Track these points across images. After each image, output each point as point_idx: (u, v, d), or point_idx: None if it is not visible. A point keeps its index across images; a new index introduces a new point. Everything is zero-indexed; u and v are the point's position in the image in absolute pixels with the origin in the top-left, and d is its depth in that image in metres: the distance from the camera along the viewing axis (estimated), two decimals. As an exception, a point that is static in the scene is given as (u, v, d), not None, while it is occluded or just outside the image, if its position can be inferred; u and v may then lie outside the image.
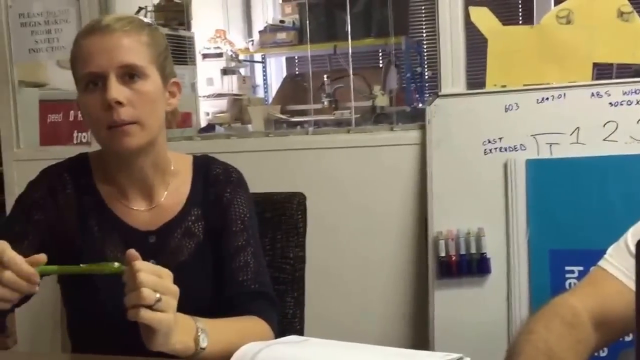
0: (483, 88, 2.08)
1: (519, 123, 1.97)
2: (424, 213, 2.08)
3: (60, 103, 2.56)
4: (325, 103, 3.82)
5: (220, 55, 4.12)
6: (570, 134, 1.93)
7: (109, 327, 1.11)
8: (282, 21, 4.20)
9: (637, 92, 1.89)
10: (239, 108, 3.87)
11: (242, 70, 4.44)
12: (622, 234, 1.10)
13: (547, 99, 1.96)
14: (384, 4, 3.59)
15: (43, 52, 2.48)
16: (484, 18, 2.10)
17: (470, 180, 2.00)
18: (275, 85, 4.65)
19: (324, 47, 3.95)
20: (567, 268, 1.88)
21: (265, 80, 4.71)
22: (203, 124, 3.43)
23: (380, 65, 4.15)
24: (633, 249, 1.05)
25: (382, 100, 3.22)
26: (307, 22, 3.87)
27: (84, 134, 2.52)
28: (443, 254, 1.99)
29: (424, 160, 2.07)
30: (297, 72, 4.66)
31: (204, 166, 1.28)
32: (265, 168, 2.20)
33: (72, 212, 1.20)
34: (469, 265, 1.98)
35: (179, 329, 0.96)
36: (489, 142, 1.99)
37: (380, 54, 4.37)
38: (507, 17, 3.90)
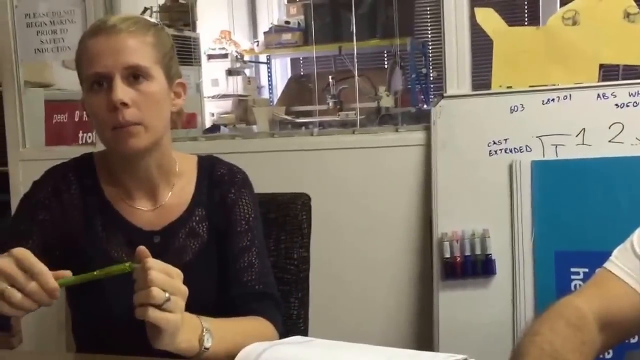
0: (488, 89, 2.08)
1: (524, 124, 1.97)
2: (428, 214, 2.08)
3: (66, 103, 2.57)
4: (330, 104, 3.82)
5: (225, 56, 4.13)
6: (576, 136, 1.93)
7: (114, 328, 1.12)
8: (287, 22, 4.21)
9: (644, 93, 1.88)
10: (243, 109, 3.87)
11: (247, 71, 4.45)
12: (627, 235, 1.09)
13: (553, 100, 1.95)
14: (389, 5, 3.59)
15: (48, 53, 2.49)
16: (489, 19, 2.10)
17: (475, 181, 2.00)
18: (280, 86, 4.65)
19: (329, 48, 3.95)
20: (572, 269, 1.87)
21: (270, 81, 4.71)
22: (208, 124, 3.44)
23: (386, 66, 4.14)
24: (639, 250, 1.05)
25: (387, 101, 3.21)
26: (312, 23, 3.87)
27: (89, 134, 2.53)
28: (448, 255, 1.98)
29: (429, 161, 2.07)
30: (302, 73, 4.67)
31: (208, 167, 1.28)
32: (269, 169, 2.20)
33: (76, 212, 1.21)
34: (473, 267, 1.97)
35: (185, 328, 0.96)
36: (494, 143, 1.99)
37: (386, 55, 4.37)
38: (513, 18, 3.89)
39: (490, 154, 1.99)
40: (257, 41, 4.50)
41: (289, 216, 1.41)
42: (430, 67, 4.00)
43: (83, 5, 2.41)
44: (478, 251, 1.97)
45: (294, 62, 4.80)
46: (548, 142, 1.95)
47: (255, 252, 1.23)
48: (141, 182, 1.22)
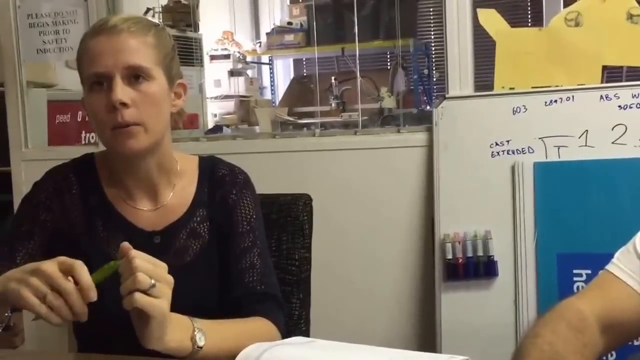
0: (491, 90, 2.07)
1: (526, 125, 1.96)
2: (430, 215, 2.07)
3: (68, 103, 2.57)
4: (333, 105, 3.82)
5: (227, 56, 4.13)
6: (579, 137, 1.92)
7: (113, 327, 1.11)
8: (289, 23, 4.20)
9: (647, 95, 1.88)
10: (246, 110, 3.87)
11: (250, 72, 4.44)
12: (630, 237, 1.09)
13: (556, 101, 1.95)
14: (392, 6, 3.59)
15: (51, 53, 2.49)
16: (492, 20, 2.10)
17: (477, 182, 2.00)
18: (282, 87, 4.65)
19: (331, 49, 3.95)
20: (575, 271, 1.87)
21: (272, 82, 4.71)
22: (210, 125, 3.44)
23: (388, 68, 4.14)
24: None
25: (389, 102, 3.21)
26: (315, 24, 3.87)
27: (91, 134, 2.53)
28: (450, 257, 1.98)
29: (431, 162, 2.07)
30: (304, 74, 4.67)
31: (210, 167, 1.28)
32: (271, 169, 2.19)
33: (77, 212, 1.21)
34: (476, 268, 1.97)
35: (175, 327, 0.96)
36: (497, 144, 1.99)
37: (388, 56, 4.36)
38: (515, 20, 3.88)
39: (492, 155, 1.99)
40: (260, 42, 4.50)
41: (291, 217, 1.41)
42: (433, 68, 3.99)
43: (85, 5, 2.42)
44: (480, 252, 1.96)
45: (297, 63, 4.80)
46: (551, 143, 1.94)
47: (257, 252, 1.22)
48: (142, 183, 1.22)
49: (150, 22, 1.23)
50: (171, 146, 1.24)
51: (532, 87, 2.01)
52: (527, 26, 3.77)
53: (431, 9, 4.27)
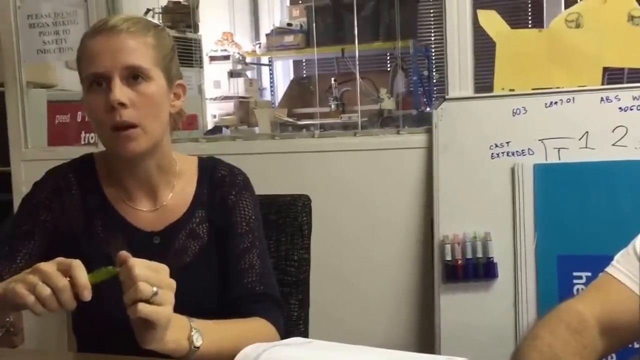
0: (491, 92, 2.07)
1: (526, 127, 1.96)
2: (430, 216, 2.07)
3: (68, 104, 2.58)
4: (332, 106, 3.81)
5: (227, 57, 4.12)
6: (579, 139, 1.92)
7: (112, 327, 1.11)
8: (289, 24, 4.20)
9: (647, 97, 1.88)
10: (245, 111, 3.86)
11: (249, 73, 4.44)
12: (631, 240, 1.09)
13: (556, 103, 1.95)
14: (392, 8, 3.58)
15: (51, 53, 2.49)
16: (492, 21, 2.10)
17: (477, 184, 1.99)
18: (282, 88, 4.64)
19: (331, 51, 3.95)
20: (575, 274, 1.87)
21: (272, 83, 4.71)
22: (210, 126, 3.44)
23: (388, 69, 4.14)
24: None
25: (388, 104, 3.21)
26: (315, 25, 3.87)
27: (91, 134, 2.53)
28: (449, 258, 1.98)
29: (431, 163, 2.06)
30: (304, 75, 4.66)
31: (209, 168, 1.28)
32: (271, 170, 2.19)
33: (77, 212, 1.21)
34: (475, 270, 1.96)
35: (173, 327, 0.96)
36: (497, 146, 1.98)
37: (388, 58, 4.36)
38: (516, 21, 3.88)
39: (492, 157, 1.99)
40: (259, 43, 4.50)
41: (289, 218, 1.41)
42: (433, 70, 3.99)
43: (85, 6, 2.42)
44: (480, 254, 1.96)
45: (296, 64, 4.80)
46: (551, 145, 1.94)
47: (256, 253, 1.22)
48: (141, 183, 1.22)
49: (149, 22, 1.23)
50: (170, 147, 1.24)
51: (532, 89, 2.01)
52: (528, 27, 3.77)
53: (431, 10, 4.27)
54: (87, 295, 0.92)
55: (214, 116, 3.85)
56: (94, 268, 0.96)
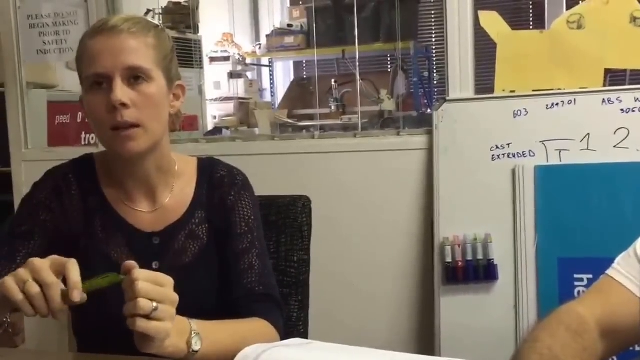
0: (492, 93, 2.07)
1: (527, 129, 1.96)
2: (430, 218, 2.07)
3: (69, 104, 2.58)
4: (333, 107, 3.81)
5: (227, 58, 4.12)
6: (581, 141, 1.92)
7: (112, 327, 1.11)
8: (289, 25, 4.20)
9: (649, 98, 1.87)
10: (245, 112, 3.87)
11: (249, 74, 4.44)
12: (632, 242, 1.08)
13: (557, 104, 1.94)
14: (393, 9, 3.58)
15: (51, 54, 2.49)
16: (493, 22, 2.09)
17: (477, 186, 1.99)
18: (282, 89, 4.64)
19: (331, 52, 3.95)
20: (575, 276, 1.86)
21: (272, 84, 4.71)
22: (210, 127, 3.44)
23: (389, 70, 4.14)
24: None
25: (389, 105, 3.21)
26: (315, 26, 3.87)
27: (91, 135, 2.52)
28: (449, 260, 1.97)
29: (431, 165, 2.06)
30: (304, 76, 4.66)
31: (208, 169, 1.27)
32: (271, 171, 2.19)
33: (77, 212, 1.21)
34: (475, 272, 1.96)
35: (172, 332, 0.96)
36: (497, 147, 1.98)
37: (389, 59, 4.36)
38: (518, 22, 3.88)
39: (493, 158, 1.98)
40: (260, 44, 4.50)
41: (289, 219, 1.41)
42: (434, 71, 3.99)
43: (86, 6, 2.42)
44: (480, 256, 1.96)
45: (297, 65, 4.80)
46: (552, 147, 1.93)
47: (256, 253, 1.22)
48: (140, 184, 1.22)
49: (150, 23, 1.23)
50: (169, 147, 1.24)
51: (533, 90, 2.00)
52: (529, 29, 3.77)
53: (432, 11, 4.27)
54: (77, 295, 0.91)
55: (214, 117, 3.85)
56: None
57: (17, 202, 1.25)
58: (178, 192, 1.24)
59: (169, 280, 0.95)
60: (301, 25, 4.15)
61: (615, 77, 2.07)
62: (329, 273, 2.05)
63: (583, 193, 1.88)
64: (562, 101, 1.94)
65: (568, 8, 2.43)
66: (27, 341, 2.48)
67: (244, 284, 1.19)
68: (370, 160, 2.17)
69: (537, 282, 1.91)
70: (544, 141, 1.94)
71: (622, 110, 1.89)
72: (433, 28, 4.32)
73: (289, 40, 4.15)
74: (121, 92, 1.11)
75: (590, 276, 1.82)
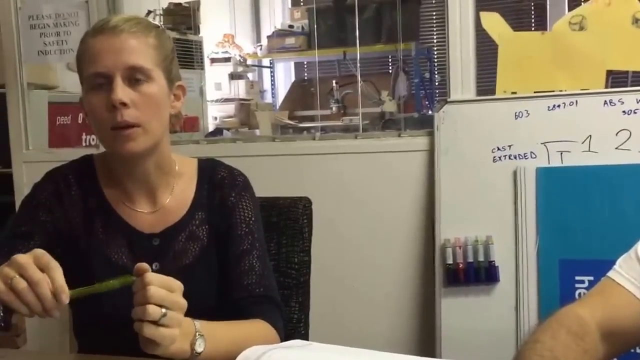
0: (493, 95, 2.07)
1: (529, 130, 1.95)
2: (431, 220, 2.06)
3: (69, 105, 2.57)
4: (334, 109, 3.81)
5: (228, 59, 4.12)
6: (582, 142, 1.91)
7: (113, 328, 1.11)
8: (290, 26, 4.20)
9: (651, 100, 1.87)
10: (246, 113, 3.87)
11: (250, 75, 4.44)
12: (633, 244, 1.08)
13: (559, 106, 1.94)
14: (394, 10, 3.58)
15: (52, 55, 2.49)
16: (495, 24, 2.09)
17: (478, 187, 1.99)
18: (283, 90, 4.64)
19: (332, 53, 3.94)
20: (577, 278, 1.86)
21: (273, 85, 4.71)
22: (210, 128, 3.43)
23: (390, 71, 4.14)
24: None
25: (390, 106, 3.20)
26: (316, 27, 3.86)
27: (92, 136, 2.52)
28: (450, 262, 1.97)
29: (432, 167, 2.06)
30: (305, 78, 4.66)
31: (209, 169, 1.27)
32: (271, 173, 2.19)
33: (77, 213, 1.20)
34: (476, 274, 1.96)
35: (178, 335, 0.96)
36: (499, 149, 1.98)
37: (390, 60, 4.36)
38: (519, 24, 3.88)
39: (494, 160, 1.98)
40: (260, 45, 4.50)
41: (290, 220, 1.41)
42: (435, 72, 3.99)
43: (86, 7, 2.42)
44: (481, 258, 1.95)
45: (298, 66, 4.80)
46: (553, 148, 1.93)
47: (256, 255, 1.22)
48: (140, 184, 1.21)
49: (151, 23, 1.23)
50: (169, 148, 1.24)
51: (535, 92, 2.00)
52: (531, 30, 3.77)
53: (433, 12, 4.26)
54: (65, 299, 0.91)
55: (215, 118, 3.85)
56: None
57: (17, 203, 1.25)
58: (178, 193, 1.24)
59: (179, 286, 0.95)
60: (302, 26, 4.15)
61: (617, 79, 2.07)
62: (329, 274, 2.05)
63: (584, 195, 1.87)
64: (564, 103, 1.93)
65: (570, 9, 2.43)
66: (29, 342, 2.48)
67: (245, 286, 1.19)
68: (371, 162, 2.16)
69: (538, 284, 1.90)
70: (546, 143, 1.94)
71: (623, 111, 1.88)
72: (434, 29, 4.31)
73: (290, 41, 4.15)
74: (122, 91, 1.11)
75: (592, 278, 1.82)
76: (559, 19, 2.11)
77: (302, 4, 4.57)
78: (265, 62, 4.64)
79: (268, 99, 4.63)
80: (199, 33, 3.41)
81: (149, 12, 3.05)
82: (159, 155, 1.20)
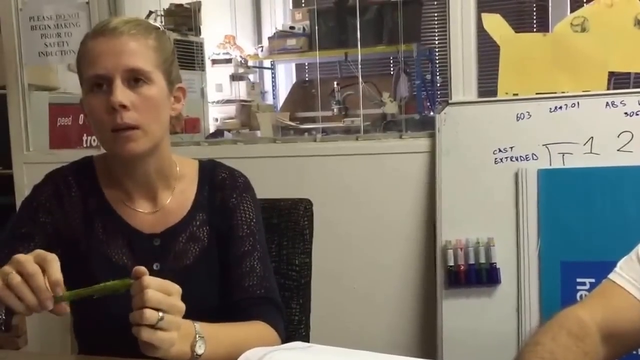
0: (494, 96, 2.06)
1: (530, 132, 1.95)
2: (432, 222, 2.06)
3: (70, 106, 2.57)
4: (335, 110, 3.81)
5: (229, 61, 4.12)
6: (584, 144, 1.91)
7: (113, 329, 1.11)
8: (292, 27, 4.19)
9: (653, 102, 1.87)
10: (247, 114, 3.86)
11: (251, 77, 4.43)
12: (635, 246, 1.08)
13: (561, 107, 1.94)
14: (395, 11, 3.57)
15: (53, 56, 2.49)
16: (496, 25, 2.09)
17: (480, 189, 1.98)
18: (284, 91, 4.64)
19: (334, 54, 3.94)
20: (578, 280, 1.86)
21: (274, 86, 4.70)
22: (211, 129, 3.43)
23: (391, 73, 4.13)
24: None
25: (391, 108, 3.20)
26: (317, 28, 3.86)
27: (93, 137, 2.52)
28: (452, 263, 1.97)
29: (433, 168, 2.05)
30: (306, 79, 4.66)
31: (210, 171, 1.27)
32: (272, 174, 2.19)
33: (77, 214, 1.21)
34: (478, 275, 1.95)
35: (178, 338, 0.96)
36: (500, 151, 1.97)
37: (391, 61, 4.35)
38: (521, 25, 3.87)
39: (495, 161, 1.98)
40: (262, 46, 4.49)
41: (291, 222, 1.40)
42: (437, 74, 3.98)
43: (87, 8, 2.42)
44: (482, 260, 1.95)
45: (299, 67, 4.79)
46: (555, 150, 1.93)
47: (257, 256, 1.22)
48: (141, 185, 1.21)
49: (151, 25, 1.23)
50: (170, 149, 1.24)
51: (537, 93, 2.00)
52: (532, 31, 3.76)
53: (435, 14, 4.25)
54: (59, 291, 0.92)
55: (216, 119, 3.84)
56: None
57: (18, 205, 1.25)
58: (179, 194, 1.24)
59: (177, 289, 0.95)
60: (303, 28, 4.14)
61: (619, 80, 2.07)
62: (330, 276, 2.04)
63: (586, 197, 1.87)
64: (566, 104, 1.93)
65: (572, 11, 2.42)
66: (29, 343, 2.48)
67: (245, 287, 1.19)
68: (372, 163, 2.16)
69: (539, 285, 1.90)
70: (547, 144, 1.94)
71: (626, 113, 1.88)
72: (436, 30, 4.31)
73: (291, 42, 4.14)
74: (121, 93, 1.11)
75: (593, 280, 1.82)
76: (561, 20, 2.11)
77: (303, 5, 4.57)
78: (267, 63, 4.63)
79: (269, 100, 4.63)
80: (200, 34, 3.40)
81: (150, 13, 3.05)
82: (160, 156, 1.20)
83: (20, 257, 0.93)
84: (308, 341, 1.36)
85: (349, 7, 3.78)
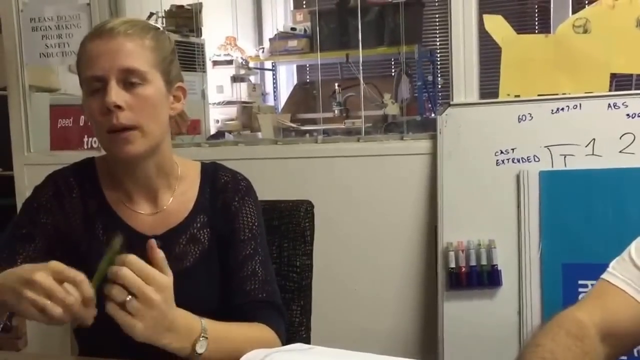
0: (496, 98, 2.06)
1: (532, 134, 1.95)
2: (434, 223, 2.06)
3: (71, 108, 2.57)
4: (336, 112, 3.81)
5: (230, 62, 4.12)
6: (586, 146, 1.91)
7: (113, 330, 1.10)
8: (293, 29, 4.19)
9: (656, 104, 1.86)
10: (248, 116, 3.86)
11: (252, 78, 4.43)
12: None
13: (562, 109, 1.93)
14: (397, 12, 3.57)
15: (54, 57, 2.50)
16: (498, 26, 2.08)
17: (481, 191, 1.98)
18: (285, 93, 4.64)
19: (335, 55, 3.94)
20: (580, 282, 1.85)
21: (275, 88, 4.70)
22: (212, 131, 3.43)
23: (392, 74, 4.13)
24: (638, 261, 1.04)
25: (393, 109, 3.20)
26: (318, 29, 3.86)
27: (94, 139, 2.52)
28: (453, 265, 1.96)
29: (435, 170, 2.05)
30: (307, 80, 4.66)
31: (212, 173, 1.27)
32: (273, 176, 2.19)
33: (78, 215, 1.20)
34: (479, 277, 1.95)
35: (180, 329, 0.97)
36: (502, 152, 1.97)
37: (393, 63, 4.35)
38: (522, 26, 3.87)
39: (497, 163, 1.97)
40: (263, 48, 4.49)
41: (292, 223, 1.40)
42: (438, 75, 3.98)
43: (88, 10, 2.42)
44: (484, 261, 1.95)
45: (300, 69, 4.79)
46: (557, 152, 1.93)
47: (259, 260, 1.22)
48: (141, 186, 1.21)
49: (148, 25, 1.22)
50: (171, 150, 1.24)
51: (538, 95, 2.00)
52: (534, 33, 3.76)
53: (437, 15, 4.25)
54: (92, 304, 0.93)
55: (217, 121, 3.84)
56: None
57: (19, 206, 1.25)
58: (179, 195, 1.23)
59: (160, 283, 0.94)
60: (305, 29, 4.14)
61: (621, 82, 2.07)
62: (331, 278, 2.04)
63: (588, 199, 1.87)
64: (568, 106, 1.93)
65: (574, 12, 2.42)
66: (29, 344, 2.48)
67: (247, 291, 1.19)
68: (373, 165, 2.16)
69: (541, 288, 1.89)
70: (549, 146, 1.93)
71: (628, 115, 1.88)
72: (437, 32, 4.31)
73: (292, 43, 4.14)
74: (115, 94, 1.10)
75: (595, 282, 1.81)
76: (563, 22, 2.11)
77: (304, 6, 4.57)
78: (268, 64, 4.64)
79: (270, 101, 4.63)
80: (201, 35, 3.40)
81: (151, 14, 3.05)
82: (160, 157, 1.20)
83: (42, 281, 0.91)
84: (309, 343, 1.36)
85: (350, 8, 3.78)
